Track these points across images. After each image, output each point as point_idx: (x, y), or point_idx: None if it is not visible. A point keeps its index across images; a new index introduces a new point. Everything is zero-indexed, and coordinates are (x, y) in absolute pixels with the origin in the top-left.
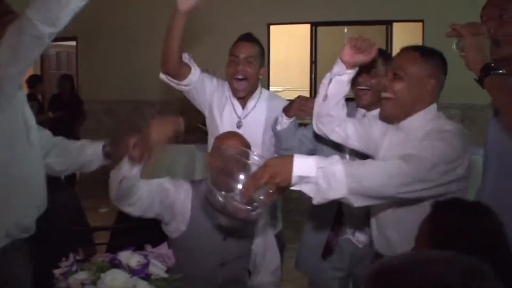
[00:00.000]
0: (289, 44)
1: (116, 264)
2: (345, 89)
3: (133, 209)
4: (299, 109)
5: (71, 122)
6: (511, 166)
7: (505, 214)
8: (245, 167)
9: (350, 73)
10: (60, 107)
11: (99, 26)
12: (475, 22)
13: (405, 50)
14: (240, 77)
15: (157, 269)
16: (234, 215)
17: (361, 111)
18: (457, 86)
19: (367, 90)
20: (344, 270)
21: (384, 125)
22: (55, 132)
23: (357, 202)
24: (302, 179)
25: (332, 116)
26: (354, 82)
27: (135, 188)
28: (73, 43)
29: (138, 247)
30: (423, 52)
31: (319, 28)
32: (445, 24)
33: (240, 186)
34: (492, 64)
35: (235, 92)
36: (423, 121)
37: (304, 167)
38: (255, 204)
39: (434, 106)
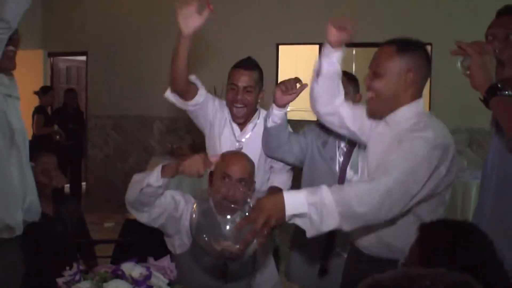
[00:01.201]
0: (297, 64)
1: (118, 275)
2: (336, 67)
3: (143, 216)
4: (283, 91)
5: (79, 135)
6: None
7: (507, 232)
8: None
9: (338, 53)
10: (63, 120)
11: (109, 41)
12: (482, 41)
13: (383, 45)
14: (239, 105)
15: (159, 281)
16: (227, 256)
17: None
18: (464, 110)
19: None
20: None
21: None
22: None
23: (349, 227)
24: (295, 215)
25: (328, 98)
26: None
27: (155, 198)
28: (84, 58)
29: (141, 261)
30: (399, 46)
31: None
32: (454, 48)
33: (228, 227)
34: (499, 85)
35: (234, 118)
36: (407, 116)
37: (296, 204)
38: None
39: (419, 102)
